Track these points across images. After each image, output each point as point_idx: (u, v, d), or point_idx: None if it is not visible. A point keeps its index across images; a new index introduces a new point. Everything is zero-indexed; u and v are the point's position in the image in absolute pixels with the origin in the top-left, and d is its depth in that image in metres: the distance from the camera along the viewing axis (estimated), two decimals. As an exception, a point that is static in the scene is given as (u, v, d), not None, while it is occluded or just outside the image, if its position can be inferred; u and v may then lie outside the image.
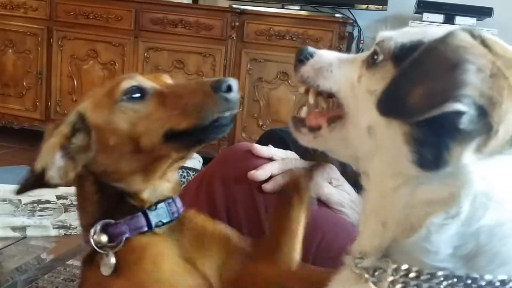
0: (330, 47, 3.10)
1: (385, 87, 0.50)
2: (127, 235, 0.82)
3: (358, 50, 3.47)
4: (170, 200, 0.86)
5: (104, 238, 0.82)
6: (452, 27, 0.50)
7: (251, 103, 3.32)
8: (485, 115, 0.44)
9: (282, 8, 3.37)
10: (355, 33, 3.45)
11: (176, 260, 0.83)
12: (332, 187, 1.03)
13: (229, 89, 0.77)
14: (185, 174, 3.03)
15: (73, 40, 3.51)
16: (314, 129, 0.65)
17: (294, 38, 3.17)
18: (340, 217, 1.01)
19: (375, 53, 0.58)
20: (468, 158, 0.46)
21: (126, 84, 0.82)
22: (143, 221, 0.83)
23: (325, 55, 0.65)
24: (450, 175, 0.47)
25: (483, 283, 0.47)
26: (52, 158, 0.81)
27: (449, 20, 3.09)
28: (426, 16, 3.13)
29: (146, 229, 0.83)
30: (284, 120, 3.24)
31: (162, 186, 0.87)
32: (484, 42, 0.48)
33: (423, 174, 0.48)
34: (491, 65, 0.45)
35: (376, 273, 0.52)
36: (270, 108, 3.29)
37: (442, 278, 0.47)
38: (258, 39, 3.24)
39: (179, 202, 0.88)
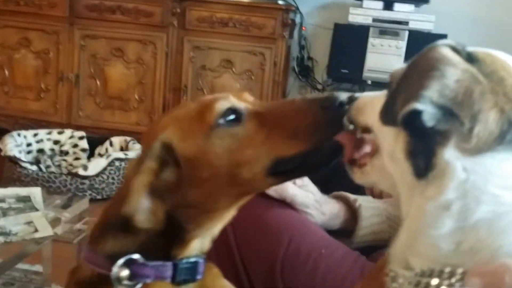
0: (273, 34, 3.09)
1: (385, 101, 0.55)
2: (149, 280, 0.73)
3: (300, 37, 3.48)
4: (202, 260, 0.77)
5: (125, 273, 0.71)
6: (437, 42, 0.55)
7: (195, 91, 3.25)
8: (452, 114, 0.48)
9: (224, -6, 3.31)
10: (297, 20, 3.45)
11: None
12: (297, 187, 1.01)
13: (341, 105, 0.68)
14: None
15: (3, 28, 3.31)
16: (362, 166, 0.67)
17: (237, 25, 3.12)
18: (305, 218, 1.00)
19: (390, 84, 0.62)
20: (450, 154, 0.49)
21: (221, 105, 0.71)
22: (169, 272, 0.73)
23: (364, 95, 0.69)
24: (438, 174, 0.50)
25: None
26: (141, 200, 0.68)
27: (388, 6, 3.14)
28: (366, 3, 3.17)
29: (168, 280, 0.74)
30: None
31: (208, 237, 0.78)
32: (470, 55, 0.52)
33: (420, 183, 0.52)
34: (461, 72, 0.49)
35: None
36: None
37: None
38: (200, 26, 3.17)
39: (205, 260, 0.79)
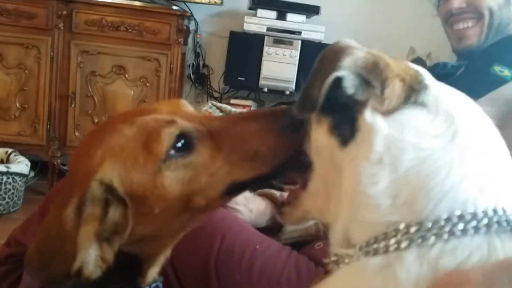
0: (168, 40, 3.00)
1: (301, 92, 0.59)
2: None
3: (195, 44, 3.43)
4: (161, 283, 0.70)
5: None
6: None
7: (84, 99, 3.05)
8: (366, 82, 0.55)
9: (115, -3, 3.16)
10: (192, 26, 3.39)
11: None
12: None
13: (300, 122, 0.62)
14: (10, 180, 2.69)
15: None
16: (291, 201, 0.68)
17: (130, 30, 2.99)
18: (236, 216, 0.95)
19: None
20: (369, 116, 0.54)
21: (170, 133, 0.61)
22: None
23: None
24: (363, 135, 0.55)
25: (429, 225, 0.48)
26: (88, 252, 0.58)
27: (281, 16, 3.21)
28: (260, 12, 3.21)
29: None
30: (122, 116, 3.06)
31: (163, 259, 0.70)
32: (373, 55, 0.58)
33: (347, 154, 0.56)
34: (366, 52, 0.57)
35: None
36: (106, 104, 3.07)
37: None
38: (89, 30, 2.99)
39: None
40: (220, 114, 1.66)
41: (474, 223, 0.47)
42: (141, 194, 0.60)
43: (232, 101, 3.20)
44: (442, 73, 1.44)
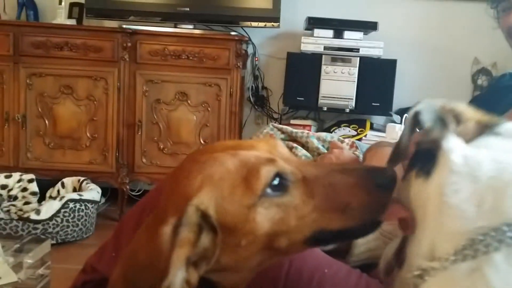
0: (227, 65, 3.07)
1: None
2: None
3: (254, 67, 3.48)
4: None
5: None
6: None
7: (150, 126, 3.17)
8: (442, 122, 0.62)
9: (175, 27, 3.28)
10: (250, 50, 3.46)
11: None
12: None
13: (393, 182, 0.66)
14: (83, 207, 2.81)
15: None
16: None
17: (191, 57, 3.09)
18: None
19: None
20: (447, 142, 0.60)
21: (269, 172, 0.64)
22: None
23: None
24: (443, 159, 0.60)
25: None
26: (178, 273, 0.60)
27: (338, 35, 3.20)
28: (317, 32, 3.22)
29: None
30: (186, 141, 3.14)
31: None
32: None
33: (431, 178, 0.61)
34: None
35: None
36: (170, 130, 3.17)
37: None
38: (152, 60, 3.11)
39: None
40: (282, 135, 1.68)
41: None
42: (233, 225, 0.63)
43: (292, 121, 3.21)
44: (509, 84, 1.39)
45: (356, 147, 1.47)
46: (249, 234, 0.63)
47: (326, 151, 1.51)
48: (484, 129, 0.59)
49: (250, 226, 0.63)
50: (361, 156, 1.40)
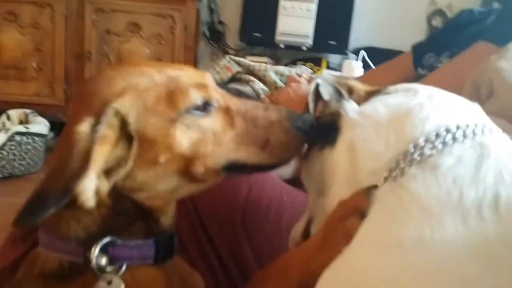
0: None
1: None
2: (130, 262, 0.65)
3: (210, 1, 3.36)
4: (175, 233, 0.72)
5: (103, 261, 0.64)
6: None
7: (99, 58, 3.04)
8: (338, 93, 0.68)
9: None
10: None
11: None
12: None
13: (311, 127, 0.69)
14: (30, 141, 2.71)
15: None
16: None
17: (143, -14, 2.94)
18: None
19: None
20: (345, 109, 0.67)
21: (196, 94, 0.65)
22: (152, 251, 0.67)
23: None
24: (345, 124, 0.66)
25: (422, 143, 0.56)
26: (91, 178, 0.57)
27: None
28: None
29: (151, 261, 0.67)
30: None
31: (174, 206, 0.72)
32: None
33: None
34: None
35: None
36: (121, 63, 3.05)
37: None
38: (102, -13, 2.95)
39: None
40: (239, 68, 1.64)
41: (460, 132, 0.54)
42: (152, 138, 0.62)
43: (248, 58, 3.13)
44: (469, 20, 1.38)
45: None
46: (167, 151, 0.63)
47: (283, 85, 1.48)
48: (371, 95, 0.66)
49: (169, 142, 0.63)
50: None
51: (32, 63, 3.01)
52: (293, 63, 3.02)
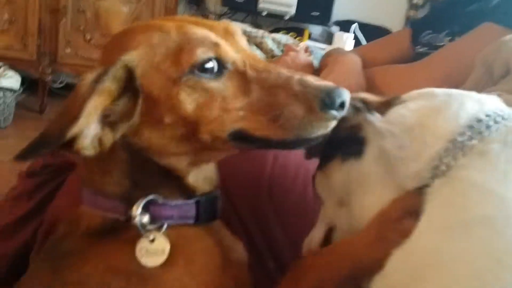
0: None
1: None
2: (172, 221, 0.65)
3: (192, -39, 3.27)
4: (218, 194, 0.71)
5: (145, 219, 0.64)
6: None
7: (75, 14, 2.93)
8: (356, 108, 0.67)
9: None
10: None
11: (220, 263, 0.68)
12: None
13: (341, 106, 0.59)
14: (1, 95, 2.62)
15: None
16: None
17: None
18: None
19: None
20: (369, 120, 0.66)
21: (203, 53, 0.60)
22: (193, 211, 0.67)
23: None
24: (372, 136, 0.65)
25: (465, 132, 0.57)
26: (91, 123, 0.57)
27: None
28: None
29: (192, 221, 0.67)
30: (115, 34, 2.96)
31: (212, 170, 0.70)
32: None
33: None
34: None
35: None
36: (98, 21, 2.95)
37: None
38: None
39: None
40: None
41: (491, 119, 0.56)
42: (156, 96, 0.60)
43: (229, 23, 3.11)
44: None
45: (310, 53, 1.44)
46: (171, 112, 0.60)
47: (280, 53, 1.46)
48: (387, 106, 0.65)
49: (173, 102, 0.60)
50: (315, 62, 1.37)
51: (4, 14, 2.88)
52: (275, 31, 2.99)
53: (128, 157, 0.64)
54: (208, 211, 0.69)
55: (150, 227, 0.64)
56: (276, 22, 3.19)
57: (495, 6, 1.12)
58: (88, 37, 2.96)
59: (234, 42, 0.66)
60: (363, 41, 2.13)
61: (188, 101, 0.60)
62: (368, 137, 0.63)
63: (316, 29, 3.24)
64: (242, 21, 3.21)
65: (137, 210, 0.63)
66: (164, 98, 0.60)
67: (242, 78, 0.62)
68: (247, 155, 0.78)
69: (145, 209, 0.64)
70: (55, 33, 2.94)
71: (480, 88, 0.93)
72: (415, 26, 1.35)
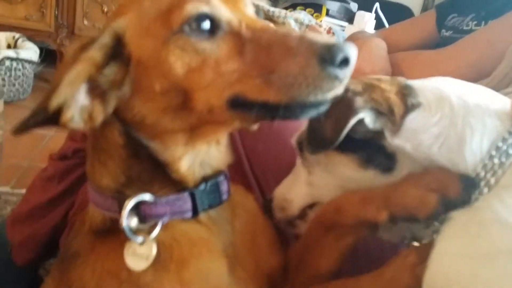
0: None
1: (306, 136, 0.67)
2: (165, 219, 0.62)
3: None
4: (222, 177, 0.66)
5: (134, 222, 0.62)
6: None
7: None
8: (379, 113, 0.62)
9: None
10: None
11: (223, 264, 0.65)
12: None
13: (344, 62, 0.52)
14: (20, 67, 2.64)
15: None
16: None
17: None
18: None
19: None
20: (392, 140, 0.63)
21: (193, 8, 0.55)
22: (188, 204, 0.63)
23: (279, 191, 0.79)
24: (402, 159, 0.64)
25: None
26: (75, 93, 0.55)
27: None
28: None
29: (190, 214, 0.64)
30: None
31: (210, 153, 0.65)
32: (366, 84, 0.65)
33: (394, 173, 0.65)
34: (361, 85, 0.64)
35: None
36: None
37: None
38: None
39: (227, 177, 0.67)
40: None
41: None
42: (145, 61, 0.57)
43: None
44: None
45: (333, 33, 1.44)
46: (161, 77, 0.56)
47: (302, 34, 1.45)
48: (405, 98, 0.64)
49: (162, 66, 0.56)
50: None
51: (22, -15, 2.88)
52: (292, 7, 2.97)
53: (125, 143, 0.62)
54: (209, 198, 0.65)
55: (142, 227, 0.62)
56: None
57: None
58: (105, 9, 2.96)
59: (235, 4, 0.60)
60: (385, 21, 2.11)
61: (178, 64, 0.55)
62: (398, 156, 0.64)
63: (334, 5, 3.20)
64: (259, -5, 3.18)
65: (124, 211, 0.61)
66: (154, 63, 0.56)
67: (237, 38, 0.57)
68: (275, 143, 0.79)
69: (136, 209, 0.62)
70: (73, 5, 2.94)
71: (507, 80, 0.93)
72: (441, 9, 1.34)
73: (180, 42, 0.55)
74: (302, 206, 0.73)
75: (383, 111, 0.61)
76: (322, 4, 3.04)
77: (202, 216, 0.65)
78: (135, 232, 0.62)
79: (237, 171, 0.85)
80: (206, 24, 0.56)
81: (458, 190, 0.57)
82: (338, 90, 0.54)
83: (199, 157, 0.64)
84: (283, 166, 0.79)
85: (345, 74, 0.53)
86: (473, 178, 0.57)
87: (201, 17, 0.55)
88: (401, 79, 0.68)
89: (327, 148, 0.64)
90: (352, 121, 0.60)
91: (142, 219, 0.62)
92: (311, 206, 0.73)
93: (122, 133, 0.61)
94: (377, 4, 2.07)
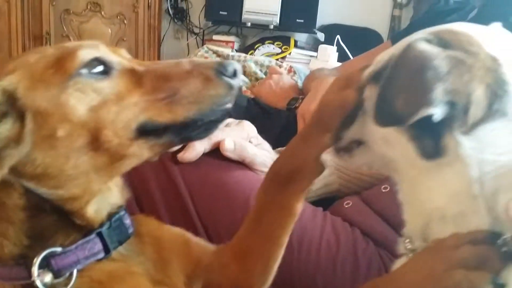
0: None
1: (375, 104, 0.58)
2: (79, 266, 0.60)
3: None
4: (123, 211, 0.65)
5: (47, 278, 0.58)
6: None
7: (59, 39, 2.92)
8: (453, 105, 0.52)
9: None
10: (168, -43, 3.21)
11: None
12: (254, 146, 0.91)
13: (234, 74, 0.62)
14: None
15: None
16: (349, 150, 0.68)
17: (104, -37, 2.82)
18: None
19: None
20: (456, 137, 0.53)
21: (86, 54, 0.58)
22: (99, 244, 0.62)
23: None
24: (453, 157, 0.54)
25: None
26: None
27: None
28: None
29: (102, 255, 0.62)
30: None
31: (111, 191, 0.65)
32: (440, 40, 0.56)
33: (431, 164, 0.56)
34: (448, 62, 0.52)
35: None
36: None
37: None
38: (59, -36, 2.81)
39: (126, 211, 0.67)
40: (217, 58, 1.59)
41: None
42: (43, 109, 0.57)
43: (214, 37, 3.09)
44: (445, 9, 1.38)
45: (294, 72, 1.43)
46: (64, 122, 0.57)
47: (264, 76, 1.45)
48: (493, 99, 0.55)
49: (63, 111, 0.57)
50: (299, 82, 1.36)
51: (-13, 45, 2.86)
52: (261, 41, 2.98)
53: (25, 205, 0.59)
54: (116, 234, 0.64)
55: (58, 281, 0.59)
56: (261, 32, 3.18)
57: (472, 18, 1.12)
58: None
59: (119, 53, 0.64)
60: (348, 51, 2.13)
61: (80, 105, 0.57)
62: (449, 152, 0.55)
63: (301, 37, 3.23)
64: (227, 33, 3.20)
65: (34, 272, 0.58)
66: (53, 110, 0.57)
67: (132, 74, 0.61)
68: (225, 199, 0.77)
69: (47, 265, 0.59)
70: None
71: None
72: (396, 39, 1.34)
73: (78, 85, 0.58)
74: None
75: (458, 108, 0.53)
76: (290, 36, 3.06)
77: (114, 254, 0.64)
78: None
79: (180, 214, 0.83)
80: (100, 67, 0.59)
81: None
82: (231, 99, 0.61)
83: (105, 197, 0.64)
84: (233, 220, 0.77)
85: (237, 83, 0.62)
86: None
87: (95, 61, 0.59)
88: (501, 70, 0.55)
89: (397, 124, 0.57)
90: (421, 114, 0.52)
91: (57, 274, 0.59)
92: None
93: (22, 193, 0.59)
94: (338, 37, 2.09)
